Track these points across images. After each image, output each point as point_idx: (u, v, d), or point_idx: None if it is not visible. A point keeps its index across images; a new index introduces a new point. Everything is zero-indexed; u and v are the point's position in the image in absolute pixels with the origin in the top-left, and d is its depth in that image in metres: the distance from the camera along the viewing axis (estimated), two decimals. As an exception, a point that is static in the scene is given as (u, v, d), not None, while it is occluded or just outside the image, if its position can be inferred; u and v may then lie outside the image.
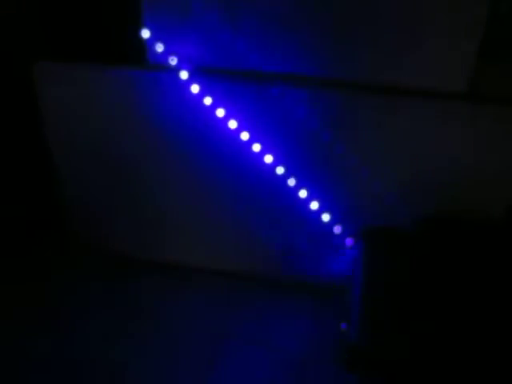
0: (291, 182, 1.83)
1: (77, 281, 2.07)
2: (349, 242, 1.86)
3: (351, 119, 1.68)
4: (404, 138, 1.67)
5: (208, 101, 1.75)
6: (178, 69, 1.76)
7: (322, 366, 1.70)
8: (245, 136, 1.78)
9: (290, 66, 1.71)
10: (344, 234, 1.87)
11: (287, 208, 1.88)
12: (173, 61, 1.75)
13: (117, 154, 1.95)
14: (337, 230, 1.86)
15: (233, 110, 1.76)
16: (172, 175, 1.94)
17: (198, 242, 2.07)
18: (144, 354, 1.74)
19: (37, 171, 2.20)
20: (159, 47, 1.76)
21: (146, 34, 1.75)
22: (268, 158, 1.80)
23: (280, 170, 1.81)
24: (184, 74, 1.75)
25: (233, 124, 1.77)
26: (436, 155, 1.68)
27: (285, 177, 1.83)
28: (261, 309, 1.94)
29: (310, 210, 1.86)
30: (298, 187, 1.84)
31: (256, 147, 1.79)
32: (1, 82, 2.03)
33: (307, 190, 1.84)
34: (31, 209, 2.25)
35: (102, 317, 1.89)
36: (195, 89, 1.75)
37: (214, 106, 1.76)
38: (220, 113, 1.76)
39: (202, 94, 1.76)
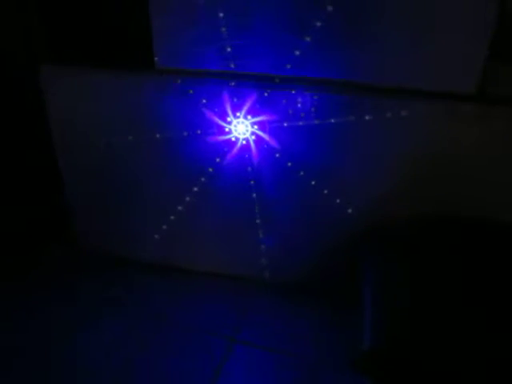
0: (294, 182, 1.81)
1: (78, 282, 2.04)
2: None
3: (357, 120, 1.66)
4: (410, 138, 1.66)
5: (213, 105, 1.74)
6: (183, 72, 1.75)
7: (333, 370, 1.66)
8: (250, 140, 1.78)
9: (296, 69, 1.69)
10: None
11: (289, 210, 1.89)
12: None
13: (121, 156, 1.93)
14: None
15: (238, 113, 1.74)
16: (176, 179, 1.92)
17: (203, 245, 2.06)
18: (148, 357, 1.69)
19: (42, 173, 2.22)
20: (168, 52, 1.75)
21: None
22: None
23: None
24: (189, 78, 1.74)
25: (239, 128, 1.76)
26: (442, 156, 1.66)
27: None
28: (269, 313, 1.92)
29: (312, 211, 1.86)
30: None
31: (260, 150, 1.79)
32: (8, 85, 2.04)
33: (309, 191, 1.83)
34: (35, 210, 2.25)
35: (104, 319, 1.85)
36: (199, 92, 1.73)
37: (219, 110, 1.75)
38: (225, 117, 1.75)
39: (204, 98, 1.74)
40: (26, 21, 1.97)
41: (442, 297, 1.38)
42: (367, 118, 1.66)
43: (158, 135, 1.82)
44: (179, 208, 1.96)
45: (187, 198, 1.94)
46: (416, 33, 1.56)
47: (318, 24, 1.59)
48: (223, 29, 1.67)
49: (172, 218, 1.99)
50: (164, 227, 2.02)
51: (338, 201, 1.82)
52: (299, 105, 1.68)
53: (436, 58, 1.58)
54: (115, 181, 1.99)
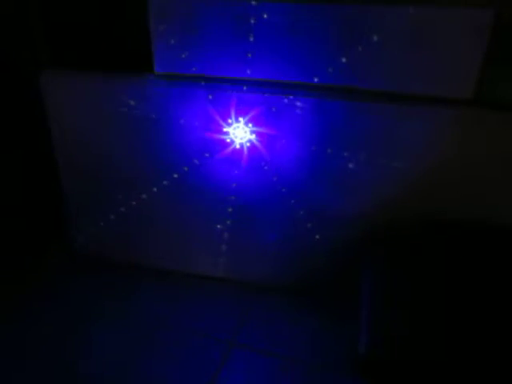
0: (294, 189, 1.82)
1: (76, 285, 2.02)
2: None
3: (359, 125, 1.66)
4: (411, 143, 1.66)
5: (218, 103, 1.72)
6: (185, 77, 1.75)
7: (331, 374, 1.63)
8: (251, 145, 1.77)
9: (301, 75, 1.69)
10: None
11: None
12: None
13: (121, 161, 1.92)
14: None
15: (240, 118, 1.73)
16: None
17: (204, 249, 2.04)
18: (148, 361, 1.66)
19: (42, 179, 2.19)
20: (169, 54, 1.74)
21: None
22: (272, 167, 1.81)
23: (282, 178, 1.82)
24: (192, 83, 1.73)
25: (237, 132, 1.74)
26: (444, 159, 1.66)
27: (288, 183, 1.82)
28: (268, 315, 1.90)
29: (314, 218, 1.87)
30: (300, 195, 1.83)
31: (262, 155, 1.78)
32: (9, 89, 2.03)
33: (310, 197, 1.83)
34: (34, 217, 2.22)
35: (102, 322, 1.82)
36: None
37: (222, 110, 1.72)
38: (227, 118, 1.73)
39: (211, 94, 1.71)
40: (27, 25, 1.97)
41: (439, 300, 1.40)
42: (367, 122, 1.65)
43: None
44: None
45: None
46: (414, 39, 1.57)
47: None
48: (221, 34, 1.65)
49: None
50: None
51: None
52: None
53: (433, 64, 1.59)
54: (117, 187, 1.98)
